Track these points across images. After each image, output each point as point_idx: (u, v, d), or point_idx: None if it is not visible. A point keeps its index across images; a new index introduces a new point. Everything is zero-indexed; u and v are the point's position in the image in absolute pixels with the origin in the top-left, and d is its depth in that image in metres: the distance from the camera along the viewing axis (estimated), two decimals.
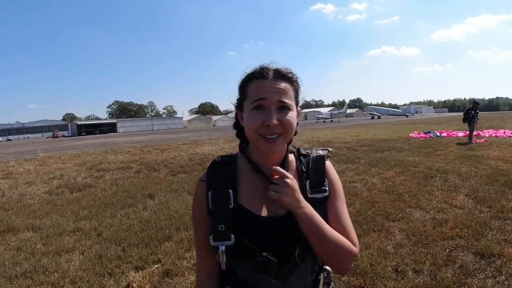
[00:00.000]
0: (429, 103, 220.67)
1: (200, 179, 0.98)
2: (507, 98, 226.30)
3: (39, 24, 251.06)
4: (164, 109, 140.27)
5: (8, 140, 67.37)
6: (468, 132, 13.41)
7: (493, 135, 15.52)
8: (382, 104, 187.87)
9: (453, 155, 9.55)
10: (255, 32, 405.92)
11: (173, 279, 3.07)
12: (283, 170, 0.89)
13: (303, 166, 0.99)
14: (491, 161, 8.23)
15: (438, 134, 17.19)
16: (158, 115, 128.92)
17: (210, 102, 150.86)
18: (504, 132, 16.12)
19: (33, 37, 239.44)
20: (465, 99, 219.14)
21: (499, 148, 10.69)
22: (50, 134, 74.54)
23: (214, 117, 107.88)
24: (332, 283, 1.04)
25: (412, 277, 2.83)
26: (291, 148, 1.03)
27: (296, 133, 1.00)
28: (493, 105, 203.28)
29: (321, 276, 1.00)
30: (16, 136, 78.03)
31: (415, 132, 18.85)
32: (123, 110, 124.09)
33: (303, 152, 1.03)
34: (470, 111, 13.00)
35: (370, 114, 78.20)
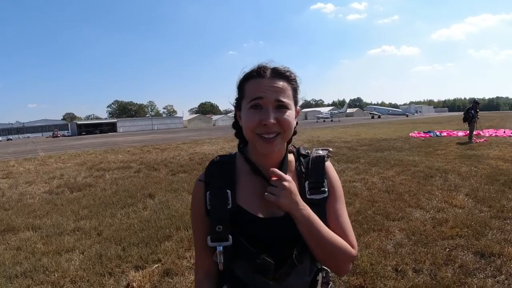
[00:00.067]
0: (429, 102, 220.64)
1: (198, 179, 0.97)
2: (507, 98, 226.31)
3: (39, 24, 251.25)
4: (164, 108, 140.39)
5: (8, 139, 67.29)
6: (468, 132, 13.42)
7: (493, 134, 15.52)
8: (382, 104, 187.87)
9: (453, 155, 9.55)
10: (255, 31, 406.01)
11: (173, 278, 3.07)
12: (281, 173, 0.88)
13: (302, 167, 0.98)
14: (491, 160, 8.23)
15: (438, 133, 17.19)
16: (158, 114, 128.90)
17: (210, 102, 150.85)
18: (504, 132, 16.12)
19: (33, 37, 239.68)
20: (465, 98, 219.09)
21: (499, 147, 10.69)
22: (50, 133, 74.48)
23: (214, 117, 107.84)
24: (331, 283, 1.03)
25: (412, 277, 2.84)
26: (291, 148, 1.02)
27: (295, 132, 0.99)
28: (493, 104, 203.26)
29: (320, 276, 1.00)
30: (16, 136, 78.00)
31: (415, 132, 18.86)
32: (123, 110, 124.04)
33: (303, 152, 1.02)
34: (470, 110, 13.01)
35: (370, 113, 78.16)
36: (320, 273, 1.00)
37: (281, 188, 0.86)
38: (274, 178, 0.88)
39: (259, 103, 0.86)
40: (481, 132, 15.16)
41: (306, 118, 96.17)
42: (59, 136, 65.65)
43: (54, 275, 3.22)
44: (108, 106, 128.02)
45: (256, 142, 0.88)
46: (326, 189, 0.95)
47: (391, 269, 2.99)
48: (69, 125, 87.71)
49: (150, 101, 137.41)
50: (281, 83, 0.88)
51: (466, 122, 13.20)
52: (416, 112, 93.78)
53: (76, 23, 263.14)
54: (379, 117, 72.05)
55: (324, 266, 1.00)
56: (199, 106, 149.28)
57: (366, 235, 3.80)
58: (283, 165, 0.95)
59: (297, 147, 1.04)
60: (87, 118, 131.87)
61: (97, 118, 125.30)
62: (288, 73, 0.91)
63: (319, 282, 0.99)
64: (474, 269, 2.92)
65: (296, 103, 0.94)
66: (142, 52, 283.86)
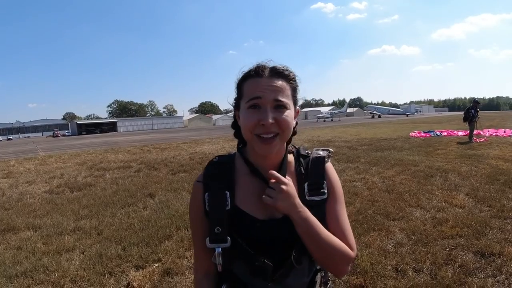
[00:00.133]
0: (430, 102, 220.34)
1: (196, 181, 0.97)
2: (507, 98, 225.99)
3: (39, 24, 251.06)
4: (164, 108, 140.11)
5: (8, 139, 67.31)
6: (468, 131, 13.42)
7: (494, 134, 15.52)
8: (383, 103, 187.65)
9: (453, 154, 9.55)
10: (255, 31, 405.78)
11: (173, 278, 3.08)
12: (279, 176, 0.87)
13: (302, 168, 0.97)
14: (491, 160, 8.23)
15: (438, 133, 17.19)
16: (158, 114, 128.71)
17: (210, 101, 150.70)
18: (505, 132, 16.12)
19: (33, 37, 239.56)
20: (465, 98, 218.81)
21: (499, 147, 10.69)
22: (51, 133, 74.50)
23: (214, 116, 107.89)
24: (330, 282, 1.03)
25: (412, 276, 2.84)
26: (291, 148, 1.01)
27: (295, 133, 0.99)
28: (494, 104, 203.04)
29: (318, 276, 0.99)
30: (17, 135, 78.00)
31: (416, 131, 18.85)
32: (123, 109, 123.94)
33: (303, 153, 1.00)
34: (471, 110, 13.00)
35: (370, 113, 78.13)
36: (319, 273, 1.00)
37: (278, 191, 0.85)
38: (272, 181, 0.88)
39: (257, 103, 0.85)
40: (481, 132, 15.16)
41: (306, 118, 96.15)
42: (59, 136, 65.66)
43: (54, 275, 3.23)
44: (108, 106, 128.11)
45: (254, 142, 0.87)
46: (326, 191, 0.93)
47: (391, 269, 2.99)
48: (69, 125, 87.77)
49: (150, 101, 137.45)
50: (280, 83, 0.87)
51: (467, 122, 13.20)
52: (417, 111, 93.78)
53: (76, 23, 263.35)
54: (379, 116, 71.99)
55: (323, 267, 0.99)
56: (199, 105, 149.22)
57: (366, 234, 3.80)
58: (282, 166, 0.94)
59: (297, 147, 1.03)
60: (87, 117, 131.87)
61: (97, 117, 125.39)
62: (286, 72, 0.90)
63: (318, 282, 0.99)
64: (474, 268, 2.91)
65: (295, 102, 0.92)
66: (142, 52, 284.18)
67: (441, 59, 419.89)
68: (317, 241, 0.86)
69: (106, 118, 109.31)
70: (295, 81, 0.92)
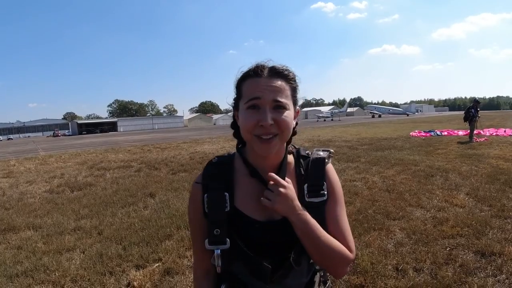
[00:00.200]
0: (430, 101, 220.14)
1: (195, 182, 0.96)
2: (507, 97, 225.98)
3: (40, 23, 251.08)
4: (164, 108, 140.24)
5: (8, 139, 67.33)
6: (468, 131, 13.41)
7: (494, 134, 15.52)
8: (383, 103, 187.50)
9: (453, 154, 9.54)
10: (255, 30, 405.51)
11: (174, 277, 3.08)
12: (278, 178, 0.86)
13: (302, 169, 0.96)
14: (491, 160, 8.22)
15: (438, 133, 17.18)
16: (158, 114, 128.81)
17: (210, 101, 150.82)
18: (505, 131, 16.11)
19: (33, 36, 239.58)
20: (465, 97, 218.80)
21: (499, 147, 10.68)
22: (51, 133, 74.54)
23: (215, 116, 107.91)
24: (329, 282, 1.03)
25: (413, 276, 2.83)
26: (291, 148, 1.00)
27: (295, 133, 0.98)
28: (494, 104, 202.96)
29: (317, 276, 1.00)
30: (17, 135, 78.00)
31: (416, 131, 18.84)
32: (124, 109, 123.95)
33: (303, 154, 0.99)
34: (471, 109, 13.00)
35: (370, 113, 78.16)
36: (317, 273, 1.00)
37: (277, 193, 0.85)
38: (271, 183, 0.87)
39: (257, 104, 0.84)
40: (481, 132, 15.16)
41: (306, 117, 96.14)
42: (59, 136, 65.67)
43: (55, 274, 3.23)
44: (108, 106, 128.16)
45: (254, 143, 0.87)
46: (326, 192, 0.93)
47: (391, 268, 2.99)
48: (69, 125, 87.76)
49: (150, 101, 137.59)
50: (279, 83, 0.86)
51: (467, 121, 13.19)
52: (417, 111, 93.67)
53: (77, 23, 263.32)
54: (379, 116, 72.01)
55: (322, 268, 0.99)
56: (199, 105, 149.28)
57: (366, 234, 3.80)
58: (282, 167, 0.93)
59: (297, 147, 1.02)
60: (88, 117, 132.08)
61: (98, 117, 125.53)
62: (286, 72, 0.89)
63: (317, 282, 0.99)
64: (475, 268, 2.91)
65: (295, 103, 0.91)
66: (142, 52, 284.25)
67: (441, 59, 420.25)
68: (316, 243, 0.86)
69: (106, 118, 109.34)
70: (294, 81, 0.91)
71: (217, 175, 0.94)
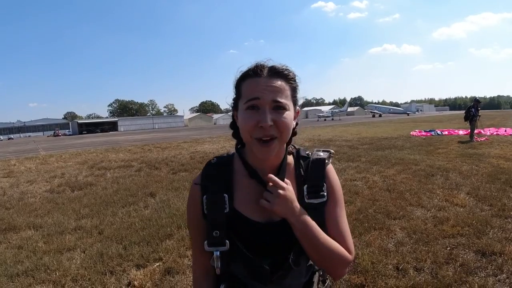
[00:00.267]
0: (430, 101, 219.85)
1: (194, 183, 0.95)
2: (508, 97, 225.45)
3: (40, 23, 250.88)
4: (165, 107, 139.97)
5: (9, 138, 67.36)
6: (469, 130, 13.40)
7: (494, 133, 15.52)
8: (383, 102, 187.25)
9: (454, 153, 9.54)
10: (256, 30, 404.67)
11: (174, 277, 3.08)
12: (277, 180, 0.86)
13: (302, 170, 0.95)
14: (492, 159, 8.22)
15: (439, 132, 17.16)
16: (159, 113, 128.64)
17: (211, 101, 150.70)
18: (506, 131, 16.10)
19: (33, 36, 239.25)
20: (466, 97, 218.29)
21: (500, 146, 10.68)
22: (51, 132, 74.54)
23: (215, 116, 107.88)
24: (328, 281, 1.03)
25: (413, 275, 2.83)
26: (291, 149, 0.99)
27: (295, 133, 0.97)
28: (494, 103, 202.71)
29: (316, 275, 1.00)
30: (17, 135, 78.01)
31: (416, 130, 18.83)
32: (124, 109, 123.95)
33: (303, 154, 0.98)
34: (471, 109, 12.99)
35: (371, 112, 78.11)
36: (317, 273, 1.00)
37: (276, 195, 0.85)
38: (270, 184, 0.87)
39: (256, 104, 0.83)
40: (482, 131, 15.15)
41: (307, 117, 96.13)
42: (60, 135, 65.69)
43: (56, 274, 3.23)
44: (109, 105, 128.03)
45: (253, 146, 0.86)
46: (325, 193, 0.92)
47: (392, 268, 2.99)
48: (70, 124, 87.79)
49: (151, 100, 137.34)
50: (279, 83, 0.85)
51: (467, 121, 13.18)
52: (417, 110, 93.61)
53: (77, 22, 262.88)
54: (380, 115, 71.99)
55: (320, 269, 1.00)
56: (200, 105, 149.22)
57: (367, 233, 3.80)
58: (281, 168, 0.93)
59: (297, 147, 1.01)
60: (88, 117, 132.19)
61: (98, 117, 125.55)
62: (286, 72, 0.87)
63: (315, 281, 0.99)
64: (475, 267, 2.91)
65: (295, 103, 0.90)
66: (142, 51, 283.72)
67: (442, 58, 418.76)
68: (315, 245, 0.85)
69: (106, 118, 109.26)
70: (294, 81, 0.90)
71: (216, 176, 0.93)
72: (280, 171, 0.92)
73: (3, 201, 6.56)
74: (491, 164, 7.57)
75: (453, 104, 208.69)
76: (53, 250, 3.85)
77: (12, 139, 66.55)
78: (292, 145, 1.01)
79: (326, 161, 0.96)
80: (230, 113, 0.97)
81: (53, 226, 4.74)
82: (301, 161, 0.97)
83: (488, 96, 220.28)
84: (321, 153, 0.98)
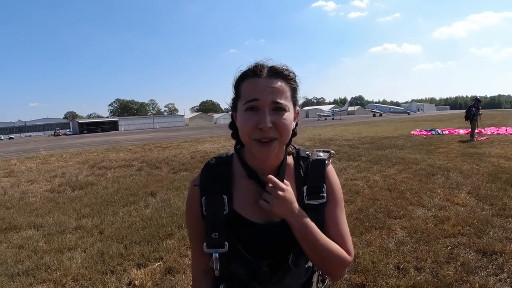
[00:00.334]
0: (431, 100, 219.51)
1: (193, 184, 0.95)
2: (508, 96, 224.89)
3: (40, 22, 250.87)
4: (165, 107, 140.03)
5: (10, 138, 67.44)
6: (470, 130, 13.39)
7: (495, 132, 15.50)
8: (384, 102, 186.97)
9: (455, 153, 9.53)
10: (256, 29, 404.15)
11: (175, 276, 3.08)
12: (277, 181, 0.85)
13: (301, 170, 0.95)
14: (493, 158, 8.21)
15: (440, 131, 17.14)
16: (159, 113, 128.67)
17: (211, 100, 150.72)
18: (506, 130, 16.08)
19: (33, 35, 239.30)
20: (467, 96, 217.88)
21: (501, 145, 10.67)
22: (52, 132, 74.64)
23: (216, 115, 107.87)
24: (327, 280, 1.03)
25: (414, 275, 2.83)
26: (290, 149, 0.99)
27: (295, 134, 0.96)
28: (495, 102, 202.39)
29: (315, 275, 1.00)
30: (18, 135, 78.09)
31: (417, 130, 18.82)
32: (125, 108, 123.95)
33: (303, 155, 0.97)
34: (472, 108, 12.97)
35: (371, 111, 78.15)
36: (316, 272, 1.00)
37: (275, 196, 0.84)
38: (270, 185, 0.86)
39: (255, 105, 0.82)
40: (483, 130, 15.14)
41: (307, 116, 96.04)
42: (60, 135, 65.71)
43: (56, 273, 3.24)
44: (109, 105, 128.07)
45: (252, 146, 0.84)
46: (325, 194, 0.92)
47: (392, 267, 2.99)
48: (70, 124, 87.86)
49: (151, 100, 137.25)
50: (279, 83, 0.83)
51: (468, 120, 13.17)
52: (418, 110, 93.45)
53: (77, 21, 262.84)
54: (380, 115, 71.97)
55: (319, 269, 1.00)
56: (200, 104, 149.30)
57: (367, 233, 3.79)
58: (281, 169, 0.92)
59: (297, 148, 1.00)
60: (89, 116, 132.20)
61: (99, 116, 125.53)
62: (286, 72, 0.86)
63: (315, 281, 0.99)
64: (476, 267, 2.91)
65: (295, 103, 0.89)
66: (143, 51, 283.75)
67: (442, 58, 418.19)
68: (314, 246, 0.85)
69: (107, 117, 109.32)
70: (294, 81, 0.88)
71: (215, 177, 0.92)
72: (280, 172, 0.91)
73: (3, 200, 6.57)
74: (492, 163, 7.56)
75: (453, 103, 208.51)
76: (54, 249, 3.85)
77: (13, 138, 66.62)
78: (292, 145, 1.00)
79: (326, 161, 0.96)
80: (231, 113, 0.96)
81: (54, 225, 4.74)
82: (301, 162, 0.96)
83: (488, 96, 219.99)
84: (321, 154, 0.97)
